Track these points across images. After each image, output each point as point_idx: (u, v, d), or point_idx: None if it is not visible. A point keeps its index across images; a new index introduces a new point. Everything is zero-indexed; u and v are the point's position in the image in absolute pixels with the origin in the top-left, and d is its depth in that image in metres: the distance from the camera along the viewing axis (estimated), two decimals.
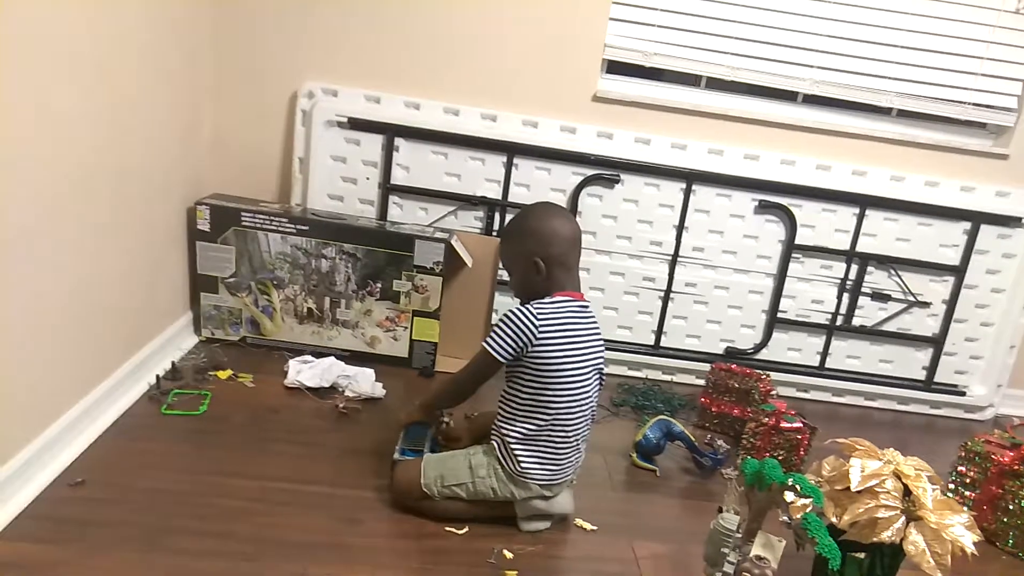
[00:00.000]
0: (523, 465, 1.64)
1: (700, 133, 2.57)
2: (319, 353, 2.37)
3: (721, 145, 2.57)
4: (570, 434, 1.66)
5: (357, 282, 2.37)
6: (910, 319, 2.73)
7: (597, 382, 1.73)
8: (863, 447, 1.57)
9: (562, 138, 2.53)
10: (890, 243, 2.65)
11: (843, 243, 2.65)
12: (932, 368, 2.78)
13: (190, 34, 2.25)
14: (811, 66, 2.56)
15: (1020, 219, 2.64)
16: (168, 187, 2.19)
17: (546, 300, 1.65)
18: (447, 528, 1.65)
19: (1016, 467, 1.92)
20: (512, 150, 2.51)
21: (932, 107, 2.63)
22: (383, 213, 2.54)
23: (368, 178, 2.52)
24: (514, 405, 1.65)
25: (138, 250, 2.02)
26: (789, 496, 1.46)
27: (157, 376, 2.07)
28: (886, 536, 1.43)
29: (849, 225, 2.63)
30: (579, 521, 1.76)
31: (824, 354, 2.75)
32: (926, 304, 2.72)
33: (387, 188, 2.52)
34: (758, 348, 2.72)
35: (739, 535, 1.48)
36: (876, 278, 2.69)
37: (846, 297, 2.70)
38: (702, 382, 2.45)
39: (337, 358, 2.34)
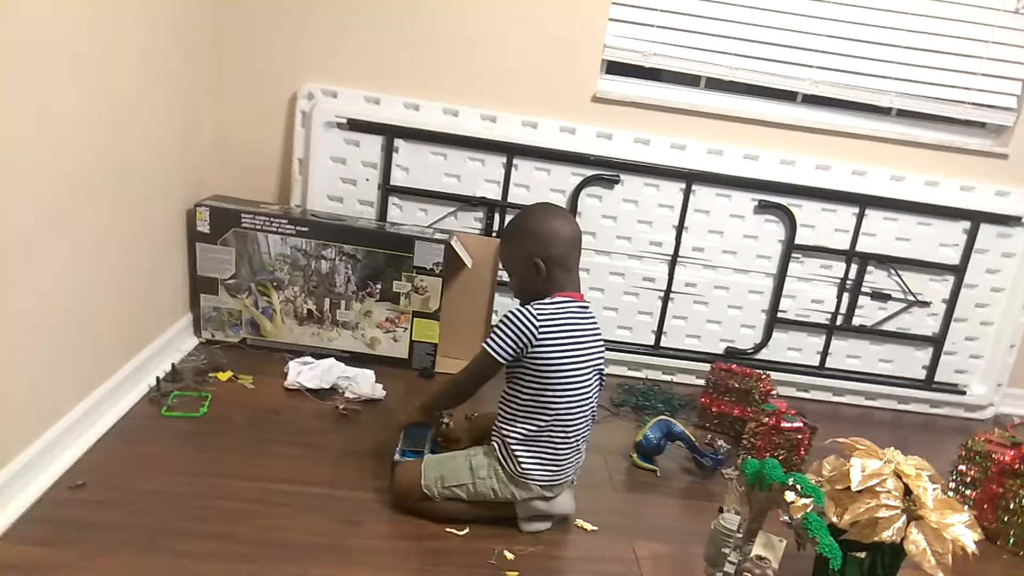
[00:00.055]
0: (524, 466, 1.64)
1: (699, 133, 2.57)
2: (319, 354, 2.37)
3: (721, 145, 2.57)
4: (570, 435, 1.66)
5: (357, 283, 2.37)
6: (910, 318, 2.73)
7: (597, 383, 1.73)
8: (863, 447, 1.57)
9: (562, 139, 2.53)
10: (890, 243, 2.65)
11: (843, 243, 2.65)
12: (932, 367, 2.77)
13: (190, 34, 2.25)
14: (810, 66, 2.56)
15: (1020, 218, 2.64)
16: (168, 188, 2.19)
17: (546, 301, 1.65)
18: (448, 529, 1.65)
19: (1016, 466, 1.93)
20: (512, 151, 2.50)
21: (932, 107, 2.63)
22: (383, 214, 2.54)
23: (368, 179, 2.53)
24: (514, 406, 1.65)
25: (138, 250, 2.02)
26: (790, 496, 1.46)
27: (157, 378, 2.06)
28: (887, 536, 1.43)
29: (849, 225, 2.63)
30: (580, 522, 1.76)
31: (824, 354, 2.75)
32: (926, 303, 2.72)
33: (387, 189, 2.52)
34: (758, 348, 2.72)
35: (740, 535, 1.48)
36: (876, 278, 2.69)
37: (846, 297, 2.70)
38: (702, 382, 2.45)
39: (337, 359, 2.34)
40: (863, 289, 2.69)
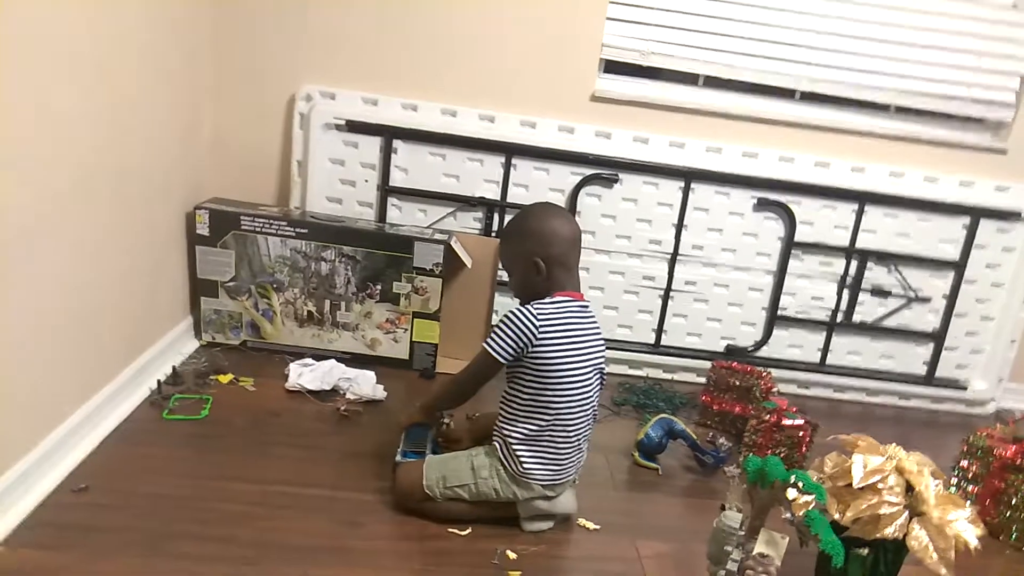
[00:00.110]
0: (525, 465, 1.64)
1: (698, 131, 2.57)
2: (320, 356, 2.37)
3: (719, 143, 2.57)
4: (572, 434, 1.66)
5: (357, 284, 2.37)
6: (910, 315, 2.73)
7: (598, 382, 1.73)
8: (865, 443, 1.57)
9: (560, 138, 2.53)
10: (889, 239, 2.65)
11: (842, 240, 2.65)
12: (933, 363, 2.77)
13: (190, 34, 2.25)
14: (809, 63, 2.56)
15: (1019, 213, 2.64)
16: (168, 188, 2.19)
17: (546, 300, 1.65)
18: (450, 529, 1.65)
19: (1018, 461, 1.93)
20: (510, 150, 2.51)
21: (930, 103, 2.63)
22: (382, 215, 2.54)
23: (367, 180, 2.53)
24: (515, 406, 1.65)
25: (138, 251, 2.02)
26: (791, 493, 1.45)
27: (158, 381, 2.06)
28: (889, 532, 1.43)
29: (848, 222, 2.63)
30: (582, 521, 1.76)
31: (825, 350, 2.75)
32: (926, 299, 2.72)
33: (386, 190, 2.52)
34: (759, 345, 2.72)
35: (742, 533, 1.47)
36: (876, 274, 2.69)
37: (846, 293, 2.70)
38: (703, 380, 2.45)
39: (338, 361, 2.34)
40: (863, 286, 2.69)
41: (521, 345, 1.60)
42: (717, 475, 2.06)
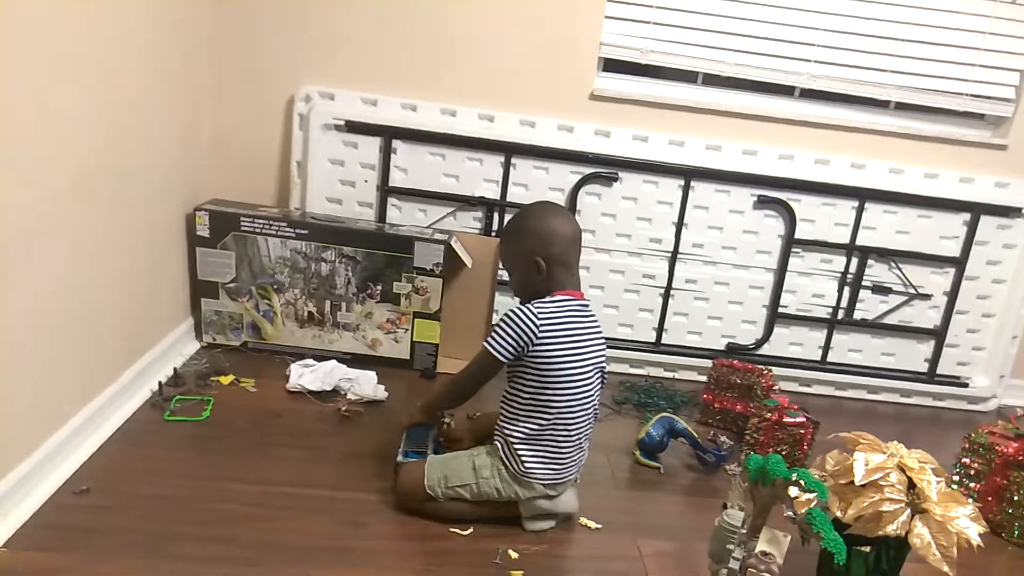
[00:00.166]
0: (527, 465, 1.64)
1: (698, 129, 2.57)
2: (320, 357, 2.37)
3: (719, 141, 2.57)
4: (573, 433, 1.66)
5: (357, 285, 2.37)
6: (911, 311, 2.73)
7: (599, 380, 1.73)
8: (867, 441, 1.57)
9: (560, 137, 2.53)
10: (890, 236, 2.65)
11: (843, 237, 2.64)
12: (935, 360, 2.77)
13: (190, 34, 2.25)
14: (808, 60, 2.56)
15: (1020, 209, 2.63)
16: (168, 189, 2.20)
17: (546, 299, 1.65)
18: (452, 529, 1.65)
19: (1020, 458, 1.92)
20: (510, 150, 2.50)
21: (930, 99, 2.63)
22: (382, 215, 2.54)
23: (366, 181, 2.52)
24: (516, 405, 1.65)
25: (138, 251, 2.02)
26: (793, 491, 1.45)
27: (159, 382, 2.06)
28: (891, 529, 1.43)
29: (849, 219, 2.63)
30: (583, 520, 1.76)
31: (826, 348, 2.74)
32: (927, 296, 2.71)
33: (385, 190, 2.52)
34: (759, 343, 2.72)
35: (744, 531, 1.47)
36: (877, 271, 2.69)
37: (847, 291, 2.70)
38: (704, 378, 2.45)
39: (339, 361, 2.34)
40: (864, 283, 2.69)
41: (521, 344, 1.60)
42: (719, 473, 2.06)
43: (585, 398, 1.67)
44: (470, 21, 2.46)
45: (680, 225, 2.60)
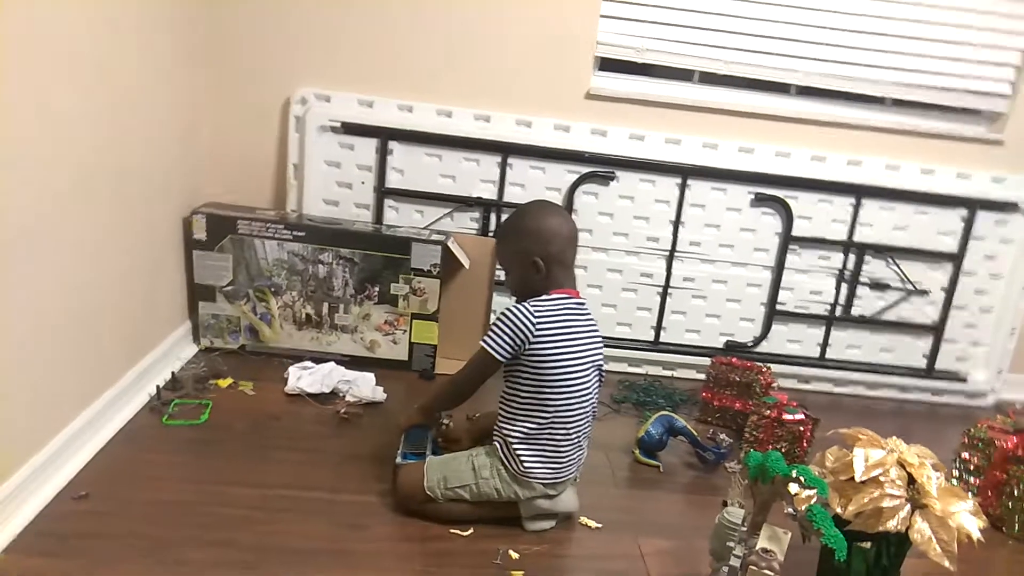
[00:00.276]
0: (526, 465, 1.64)
1: (694, 128, 2.57)
2: (319, 359, 2.36)
3: (715, 139, 2.57)
4: (571, 432, 1.66)
5: (355, 286, 2.37)
6: (909, 307, 2.73)
7: (597, 379, 1.72)
8: (866, 437, 1.57)
9: (556, 137, 2.53)
10: (887, 232, 2.65)
11: (840, 233, 2.65)
12: (933, 355, 2.78)
13: (189, 35, 2.26)
14: (804, 58, 2.56)
15: (1016, 204, 2.64)
16: (168, 189, 2.20)
17: (543, 298, 1.65)
18: (452, 530, 1.65)
19: (1019, 452, 1.92)
20: (506, 150, 2.50)
21: (926, 95, 2.63)
22: (379, 217, 2.54)
23: (363, 182, 2.52)
24: (514, 404, 1.65)
25: (138, 251, 2.03)
26: (793, 488, 1.45)
27: (157, 386, 2.06)
28: (891, 525, 1.43)
29: (846, 215, 2.63)
30: (584, 519, 1.76)
31: (824, 345, 2.75)
32: (925, 292, 2.72)
33: (382, 192, 2.52)
34: (758, 341, 2.72)
35: (744, 528, 1.47)
36: (874, 267, 2.69)
37: (844, 287, 2.70)
38: (703, 377, 2.45)
39: (337, 363, 2.33)
40: (861, 279, 2.69)
41: (518, 343, 1.60)
42: (718, 471, 2.06)
43: (583, 397, 1.67)
44: (466, 22, 2.46)
45: (677, 223, 2.60)
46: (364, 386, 2.21)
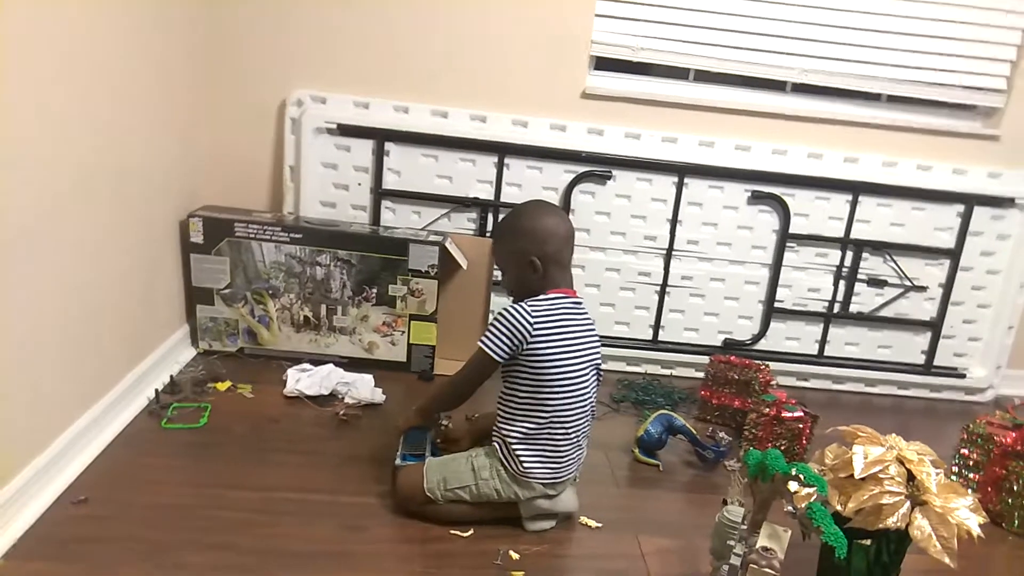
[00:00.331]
0: (525, 465, 1.63)
1: (690, 126, 2.57)
2: (317, 361, 2.36)
3: (712, 137, 2.57)
4: (570, 431, 1.66)
5: (353, 288, 2.37)
6: (907, 304, 2.73)
7: (595, 378, 1.72)
8: (865, 434, 1.57)
9: (552, 136, 2.53)
10: (884, 229, 2.65)
11: (837, 230, 2.65)
12: (931, 352, 2.78)
13: (189, 35, 2.26)
14: (799, 55, 2.56)
15: (1013, 200, 2.64)
16: (167, 189, 2.20)
17: (540, 298, 1.65)
18: (452, 531, 1.65)
19: (1019, 448, 1.93)
20: (503, 150, 2.50)
21: (921, 91, 2.63)
22: (376, 218, 2.54)
23: (360, 184, 2.52)
24: (513, 405, 1.65)
25: (139, 251, 2.03)
26: (793, 486, 1.45)
27: (156, 390, 2.06)
28: (891, 522, 1.43)
29: (843, 212, 2.63)
30: (584, 519, 1.76)
31: (823, 342, 2.75)
32: (923, 288, 2.72)
33: (379, 193, 2.52)
34: (756, 339, 2.72)
35: (744, 527, 1.47)
36: (871, 264, 2.69)
37: (842, 284, 2.70)
38: (702, 375, 2.45)
39: (335, 365, 2.33)
40: (859, 276, 2.69)
41: (516, 343, 1.60)
42: (718, 470, 2.06)
43: (581, 396, 1.66)
44: (461, 23, 2.46)
45: (674, 222, 2.60)
46: (363, 388, 2.21)
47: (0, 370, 1.46)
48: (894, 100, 2.68)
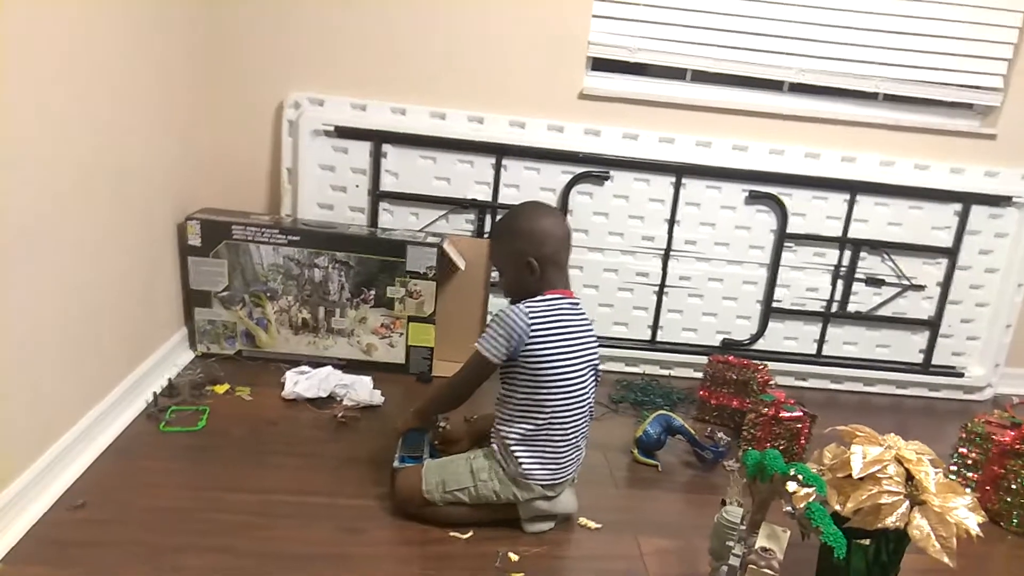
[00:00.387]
0: (524, 466, 1.63)
1: (687, 126, 2.57)
2: (316, 363, 2.36)
3: (709, 137, 2.57)
4: (569, 432, 1.66)
5: (351, 290, 2.37)
6: (905, 303, 2.73)
7: (593, 379, 1.72)
8: (864, 433, 1.57)
9: (550, 137, 2.53)
10: (882, 228, 2.65)
11: (835, 230, 2.65)
12: (929, 351, 2.78)
13: (189, 35, 2.26)
14: (796, 54, 2.56)
15: (1010, 198, 2.64)
16: (167, 190, 2.20)
17: (537, 299, 1.65)
18: (451, 533, 1.64)
19: (1017, 446, 1.93)
20: (500, 151, 2.50)
21: (918, 90, 2.63)
22: (374, 220, 2.53)
23: (357, 186, 2.52)
24: (511, 406, 1.65)
25: (138, 252, 2.03)
26: (792, 486, 1.45)
27: (154, 393, 2.05)
28: (890, 522, 1.43)
29: (840, 212, 2.63)
30: (583, 520, 1.76)
31: (821, 341, 2.75)
32: (920, 287, 2.72)
33: (377, 195, 2.52)
34: (755, 338, 2.72)
35: (743, 527, 1.47)
36: (869, 263, 2.69)
37: (840, 284, 2.70)
38: (700, 375, 2.45)
39: (334, 367, 2.33)
40: (857, 275, 2.69)
41: (513, 344, 1.60)
42: (717, 470, 2.06)
43: (579, 397, 1.66)
44: (457, 24, 2.46)
45: (672, 222, 2.60)
46: (361, 390, 2.21)
47: (1, 367, 1.46)
48: (891, 99, 2.68)
